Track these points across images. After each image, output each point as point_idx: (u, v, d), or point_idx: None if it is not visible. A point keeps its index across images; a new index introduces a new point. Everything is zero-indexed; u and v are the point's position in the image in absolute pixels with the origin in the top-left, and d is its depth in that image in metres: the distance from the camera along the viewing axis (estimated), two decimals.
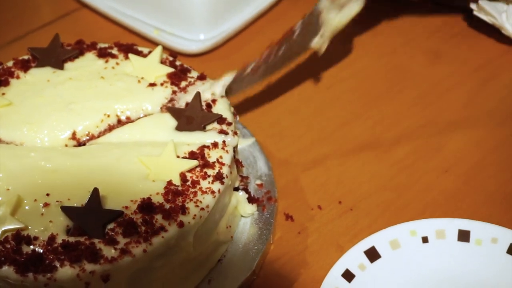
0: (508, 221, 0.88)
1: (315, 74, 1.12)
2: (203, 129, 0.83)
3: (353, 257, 0.83)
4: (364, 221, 0.90)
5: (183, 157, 0.80)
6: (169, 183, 0.77)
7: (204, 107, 0.85)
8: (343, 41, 1.17)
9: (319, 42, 0.97)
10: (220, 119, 0.84)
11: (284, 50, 0.97)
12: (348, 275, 0.81)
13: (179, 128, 0.83)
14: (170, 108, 0.85)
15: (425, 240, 0.85)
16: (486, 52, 1.14)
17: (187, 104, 0.85)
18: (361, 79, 1.11)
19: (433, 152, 0.98)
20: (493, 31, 1.14)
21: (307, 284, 0.84)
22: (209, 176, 0.78)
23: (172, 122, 0.84)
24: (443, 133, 1.01)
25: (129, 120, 0.85)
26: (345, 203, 0.92)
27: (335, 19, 0.96)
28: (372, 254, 0.83)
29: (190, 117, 0.83)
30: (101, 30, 1.20)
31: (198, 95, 0.85)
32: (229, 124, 0.84)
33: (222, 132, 0.83)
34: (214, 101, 0.86)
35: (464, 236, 0.85)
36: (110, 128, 0.85)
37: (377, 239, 0.84)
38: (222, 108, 0.86)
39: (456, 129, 1.02)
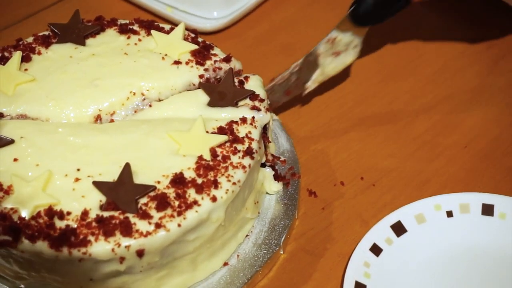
0: None
1: None
2: (235, 105, 0.83)
3: (380, 232, 0.83)
4: (387, 196, 0.91)
5: (212, 133, 0.79)
6: (200, 158, 0.77)
7: (236, 83, 0.85)
8: None
9: (310, 85, 0.98)
10: (253, 96, 0.84)
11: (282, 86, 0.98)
12: (375, 249, 0.82)
13: (211, 103, 0.83)
14: (203, 84, 0.85)
15: (449, 214, 0.85)
16: (498, 29, 1.14)
17: (218, 80, 0.85)
18: (376, 56, 1.11)
19: (451, 127, 0.99)
20: (505, 8, 1.14)
21: (334, 258, 0.84)
22: (239, 151, 0.78)
23: (204, 98, 0.84)
24: (460, 109, 1.02)
25: (156, 98, 0.85)
26: (367, 178, 0.93)
27: (330, 65, 0.97)
28: (399, 228, 0.84)
29: (223, 93, 0.83)
30: (112, 7, 1.19)
31: (230, 71, 0.85)
32: (262, 100, 0.84)
33: (254, 108, 0.82)
34: (246, 78, 0.86)
35: (488, 210, 0.85)
36: (137, 107, 0.84)
37: (403, 214, 0.85)
38: (255, 84, 0.85)
39: (473, 105, 1.02)
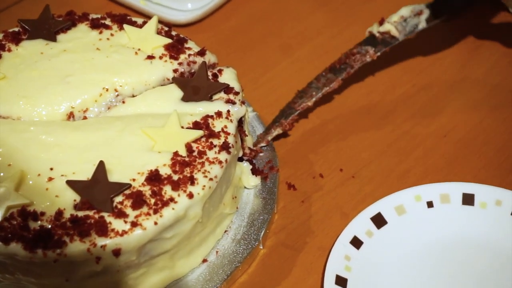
0: (509, 183, 0.88)
1: (306, 44, 1.10)
2: (209, 99, 0.82)
3: (360, 224, 0.82)
4: (366, 188, 0.90)
5: (187, 128, 0.78)
6: (176, 154, 0.75)
7: (210, 77, 0.83)
8: (331, 11, 1.16)
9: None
10: (227, 89, 0.83)
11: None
12: (356, 242, 0.81)
13: (185, 98, 0.82)
14: (176, 79, 0.83)
15: (430, 204, 0.85)
16: (476, 18, 1.14)
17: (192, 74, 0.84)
18: (352, 46, 1.10)
19: (430, 117, 0.98)
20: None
21: (314, 252, 0.84)
22: (215, 146, 0.77)
23: (177, 93, 0.82)
24: (438, 98, 1.01)
25: (129, 94, 0.83)
26: (347, 170, 0.92)
27: None
28: (379, 220, 0.83)
29: (196, 87, 0.82)
30: (84, 1, 1.17)
31: (204, 64, 0.83)
32: (237, 93, 0.82)
33: (229, 101, 0.81)
34: (220, 71, 0.85)
35: (468, 199, 0.85)
36: (111, 104, 0.83)
37: (383, 205, 0.84)
38: (229, 77, 0.84)
39: (452, 94, 1.02)
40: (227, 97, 0.82)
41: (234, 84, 0.83)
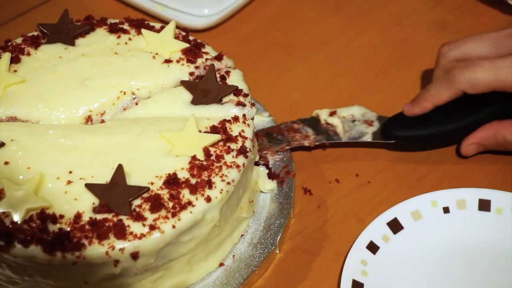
0: None
1: (322, 49, 1.11)
2: (219, 101, 0.82)
3: (376, 229, 0.82)
4: (382, 193, 0.90)
5: (204, 132, 0.78)
6: (193, 158, 0.76)
7: (218, 79, 0.84)
8: (346, 16, 1.16)
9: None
10: (236, 91, 0.83)
11: None
12: (372, 247, 0.81)
13: (194, 101, 0.82)
14: (184, 82, 0.84)
15: (446, 210, 0.85)
16: (489, 23, 1.14)
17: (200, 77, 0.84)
18: (367, 52, 1.10)
19: None
20: (496, 2, 1.14)
21: (330, 256, 0.84)
22: (232, 150, 0.77)
23: (187, 96, 0.83)
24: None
25: (146, 98, 0.84)
26: (362, 175, 0.92)
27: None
28: (395, 226, 0.83)
29: (206, 90, 0.82)
30: (101, 6, 1.18)
31: (212, 67, 0.84)
32: (246, 95, 0.83)
33: (239, 104, 0.82)
34: (228, 72, 0.85)
35: (484, 205, 0.85)
36: (127, 106, 0.83)
37: (399, 211, 0.84)
38: (237, 79, 0.85)
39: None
40: (237, 99, 0.82)
41: (243, 85, 0.84)
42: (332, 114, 0.95)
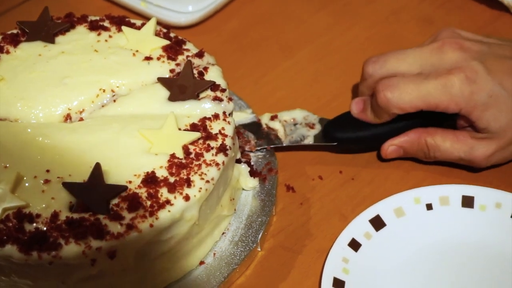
0: (509, 186, 0.87)
1: (307, 45, 1.10)
2: (196, 97, 0.81)
3: (358, 226, 0.82)
4: (366, 190, 0.90)
5: (184, 130, 0.78)
6: (172, 156, 0.75)
7: (196, 75, 0.83)
8: (332, 13, 1.15)
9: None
10: (214, 86, 0.82)
11: None
12: (354, 245, 0.80)
13: (171, 98, 0.81)
14: (161, 79, 0.83)
15: (429, 207, 0.84)
16: (476, 18, 1.13)
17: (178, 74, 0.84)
18: (354, 48, 1.10)
19: None
20: None
21: (312, 254, 0.83)
22: (212, 148, 0.77)
23: (163, 92, 0.82)
24: None
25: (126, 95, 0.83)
26: (346, 172, 0.91)
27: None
28: (377, 223, 0.82)
29: (183, 86, 0.81)
30: (85, 3, 1.17)
31: (189, 63, 0.83)
32: (223, 90, 0.82)
33: (216, 99, 0.81)
34: (206, 68, 0.84)
35: (468, 202, 0.84)
36: (105, 104, 0.83)
37: (382, 208, 0.83)
38: (215, 75, 0.84)
39: None
40: (214, 94, 0.81)
41: (220, 81, 0.83)
42: (273, 118, 0.94)
